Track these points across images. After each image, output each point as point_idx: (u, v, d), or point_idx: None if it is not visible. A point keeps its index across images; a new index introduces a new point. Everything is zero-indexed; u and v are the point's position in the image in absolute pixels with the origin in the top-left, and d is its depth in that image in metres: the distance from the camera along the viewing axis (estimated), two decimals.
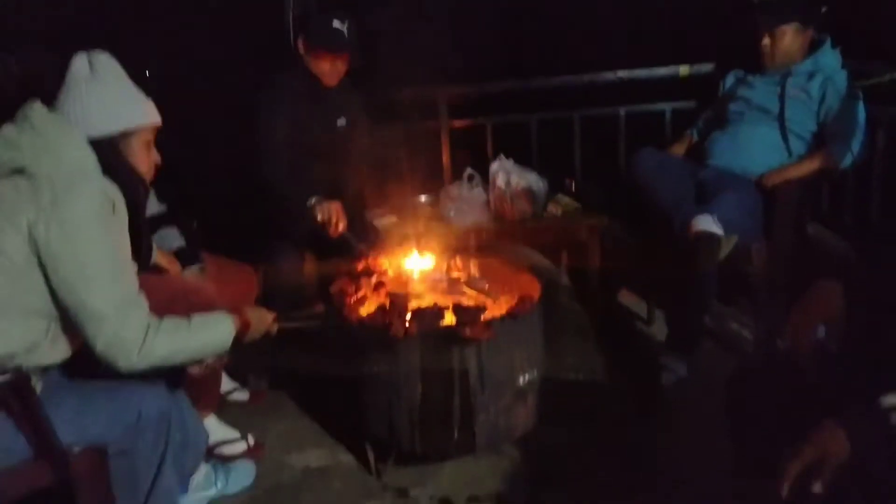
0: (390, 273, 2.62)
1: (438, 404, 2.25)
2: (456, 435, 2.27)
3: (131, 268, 1.75)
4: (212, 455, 2.58)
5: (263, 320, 2.01)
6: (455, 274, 2.57)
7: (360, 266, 2.64)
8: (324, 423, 2.84)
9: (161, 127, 1.99)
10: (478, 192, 3.44)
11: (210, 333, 1.85)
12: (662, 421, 2.72)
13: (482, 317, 2.17)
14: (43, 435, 1.61)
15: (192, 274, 2.68)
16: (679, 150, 3.23)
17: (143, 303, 1.73)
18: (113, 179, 1.74)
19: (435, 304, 2.20)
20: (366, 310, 2.38)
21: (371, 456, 2.51)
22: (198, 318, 1.84)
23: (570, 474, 2.41)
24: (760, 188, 2.81)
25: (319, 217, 2.85)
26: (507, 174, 3.37)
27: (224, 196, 3.29)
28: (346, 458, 2.62)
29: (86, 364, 1.89)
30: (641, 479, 2.40)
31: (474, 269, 2.62)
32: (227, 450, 2.67)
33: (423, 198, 3.75)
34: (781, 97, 2.89)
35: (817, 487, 1.26)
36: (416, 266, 2.67)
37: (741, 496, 1.84)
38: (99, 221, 1.63)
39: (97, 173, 1.72)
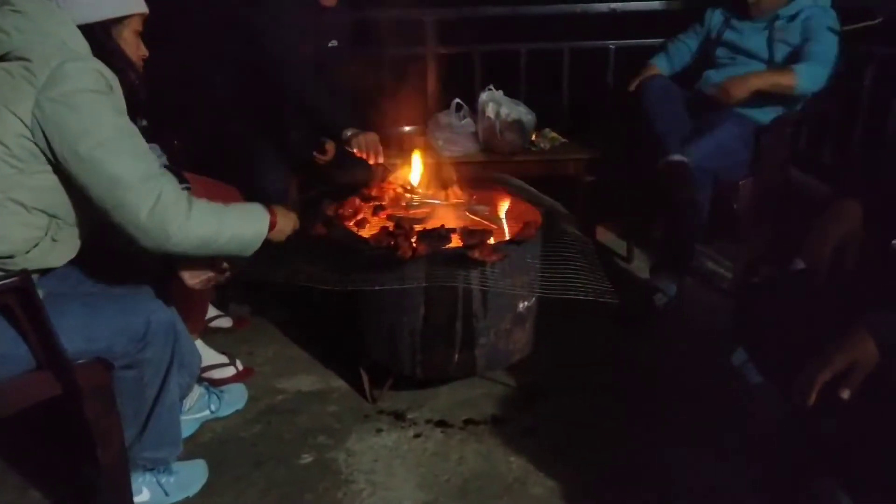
0: (388, 198, 2.56)
1: (441, 327, 2.24)
2: (457, 357, 2.28)
3: (147, 147, 1.67)
4: (202, 379, 2.53)
5: (290, 219, 1.96)
6: (455, 200, 2.53)
7: (357, 191, 2.58)
8: (312, 350, 2.82)
9: (147, 17, 1.88)
10: (467, 123, 3.38)
11: (247, 221, 1.79)
12: (656, 335, 2.81)
13: (489, 240, 2.15)
14: (47, 343, 1.53)
15: None
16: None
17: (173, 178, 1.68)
18: (106, 64, 1.64)
19: (441, 226, 2.16)
20: (368, 231, 2.32)
21: (366, 381, 2.50)
22: (235, 205, 1.81)
23: (565, 392, 2.47)
24: (747, 124, 2.86)
25: (356, 149, 2.76)
26: (496, 105, 3.31)
27: (209, 113, 3.13)
28: (339, 384, 2.60)
29: (90, 271, 1.81)
30: (637, 388, 2.49)
31: (474, 197, 2.59)
32: (217, 374, 2.62)
33: (406, 128, 3.66)
34: (770, 42, 2.90)
35: (846, 394, 1.30)
36: (414, 191, 2.62)
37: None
38: (99, 94, 1.54)
39: (89, 54, 1.62)
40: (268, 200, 2.92)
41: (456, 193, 2.60)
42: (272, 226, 1.85)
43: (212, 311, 2.99)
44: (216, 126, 3.09)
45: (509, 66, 3.76)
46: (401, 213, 2.40)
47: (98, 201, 1.56)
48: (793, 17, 2.85)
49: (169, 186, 1.61)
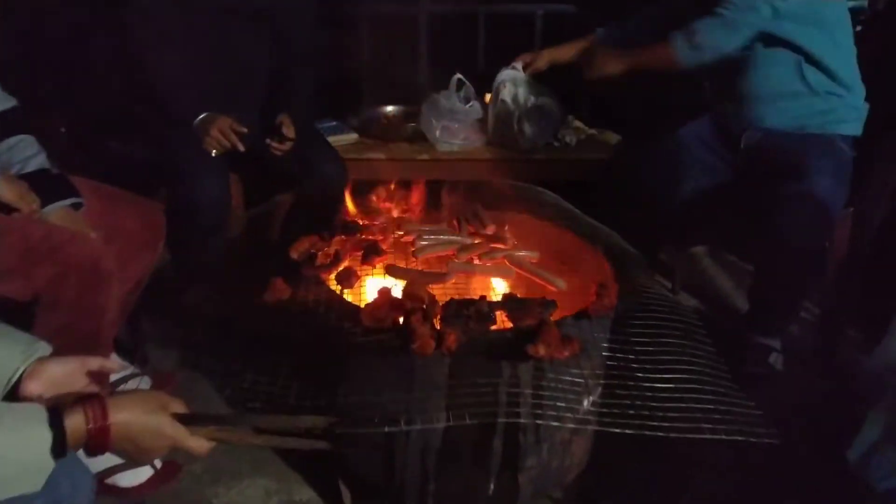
0: (380, 230, 1.73)
1: (470, 443, 1.47)
2: (492, 486, 1.51)
3: None
4: (103, 489, 1.69)
5: (160, 432, 0.98)
6: (475, 238, 1.72)
7: (332, 213, 1.76)
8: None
9: None
10: (473, 108, 2.55)
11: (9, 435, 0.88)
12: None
13: (551, 319, 1.37)
14: None
15: (59, 214, 1.69)
16: (566, 54, 2.46)
17: None
18: None
19: (482, 300, 1.36)
20: (356, 291, 1.51)
21: (347, 498, 1.71)
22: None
23: None
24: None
25: (206, 144, 2.04)
26: (515, 87, 2.49)
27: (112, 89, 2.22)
28: (307, 495, 1.80)
29: None
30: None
31: (500, 229, 1.79)
32: (124, 480, 1.78)
33: (389, 109, 2.81)
34: None
35: None
36: (410, 220, 1.80)
37: None
38: None
39: None
40: (199, 213, 2.13)
41: (479, 221, 1.80)
42: (100, 435, 0.94)
43: (118, 365, 2.13)
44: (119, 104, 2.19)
45: (521, 33, 2.93)
46: (404, 264, 1.59)
47: None
48: None
49: None
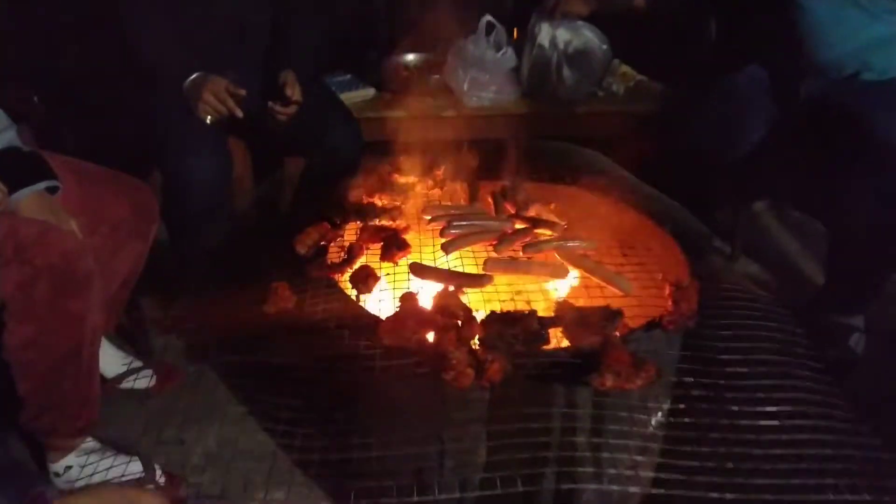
0: (396, 214, 1.44)
1: (515, 477, 1.22)
2: None
3: None
4: None
5: None
6: (515, 222, 1.42)
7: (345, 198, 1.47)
8: (287, 437, 1.76)
9: None
10: (507, 56, 2.20)
11: None
12: None
13: (618, 337, 1.09)
14: None
15: (30, 201, 1.43)
16: None
17: None
18: None
19: (530, 315, 1.08)
20: (377, 303, 1.24)
21: None
22: None
23: None
24: None
25: (199, 111, 1.75)
26: (552, 29, 2.14)
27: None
28: None
29: None
30: None
31: (545, 208, 1.49)
32: None
33: (410, 58, 2.48)
34: None
35: None
36: (437, 200, 1.51)
37: None
38: None
39: None
40: (194, 195, 1.85)
41: (519, 199, 1.50)
42: None
43: (119, 361, 1.92)
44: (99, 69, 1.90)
45: None
46: (432, 259, 1.31)
47: None
48: None
49: None
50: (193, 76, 1.77)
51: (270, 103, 1.82)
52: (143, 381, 1.90)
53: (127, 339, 2.05)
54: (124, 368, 1.89)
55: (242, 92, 1.76)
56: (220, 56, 1.82)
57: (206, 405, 1.78)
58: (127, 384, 1.90)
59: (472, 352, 1.03)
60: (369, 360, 1.07)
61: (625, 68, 2.43)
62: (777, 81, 1.95)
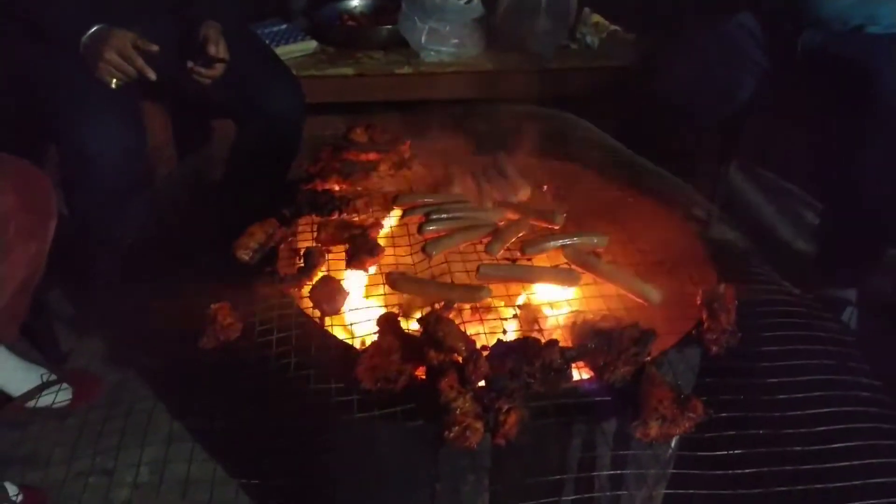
0: (360, 204, 1.17)
1: None
2: None
3: None
4: None
5: None
6: (506, 211, 1.18)
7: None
8: (233, 459, 1.49)
9: None
10: (472, 5, 1.91)
11: None
12: None
13: (653, 367, 0.88)
14: None
15: None
16: None
17: None
18: None
19: (550, 345, 0.85)
20: (346, 326, 0.99)
21: None
22: None
23: None
24: None
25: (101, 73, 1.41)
26: None
27: None
28: None
29: None
30: None
31: (538, 192, 1.25)
32: None
33: (355, 4, 2.15)
34: None
35: None
36: (407, 185, 1.25)
37: None
38: None
39: None
40: (100, 172, 1.49)
41: (506, 180, 1.25)
42: None
43: (25, 375, 1.60)
44: None
45: None
46: (411, 263, 1.05)
47: None
48: None
49: None
50: (93, 30, 1.41)
51: (190, 63, 1.49)
52: (59, 395, 1.60)
53: (31, 342, 1.74)
54: (33, 384, 1.59)
55: (154, 48, 1.43)
56: (123, 4, 1.47)
57: (133, 422, 1.50)
58: (39, 402, 1.60)
59: (478, 397, 0.81)
60: (344, 412, 0.82)
61: (597, 17, 2.18)
62: (771, 32, 1.75)
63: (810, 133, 1.84)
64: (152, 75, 1.42)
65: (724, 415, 0.85)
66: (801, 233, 2.24)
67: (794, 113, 1.89)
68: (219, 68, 1.50)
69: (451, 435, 0.78)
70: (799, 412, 0.87)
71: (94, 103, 1.43)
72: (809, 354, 0.94)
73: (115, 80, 1.44)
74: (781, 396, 0.90)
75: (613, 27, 2.19)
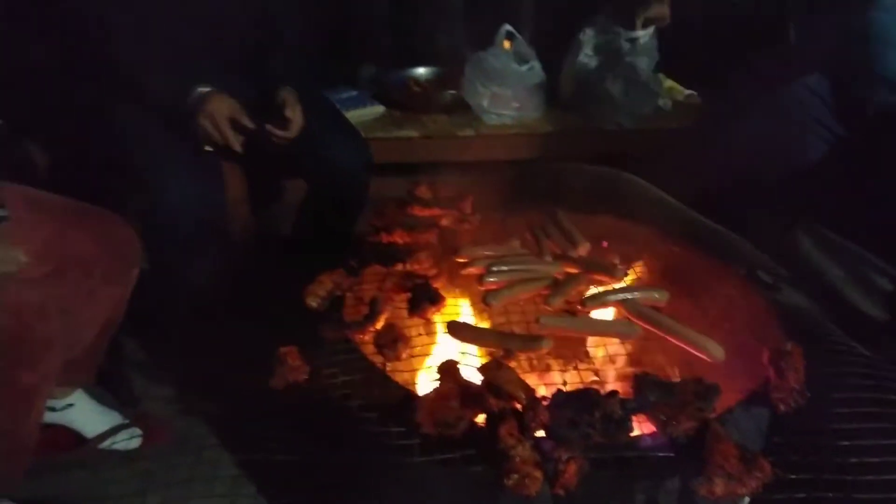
0: (422, 256, 1.21)
1: None
2: None
3: None
4: None
5: None
6: (565, 265, 1.19)
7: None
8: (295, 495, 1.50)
9: None
10: (533, 70, 1.99)
11: None
12: None
13: (718, 424, 0.87)
14: None
15: None
16: None
17: None
18: None
19: (611, 396, 0.86)
20: (411, 369, 1.01)
21: None
22: None
23: None
24: None
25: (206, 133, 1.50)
26: (599, 39, 1.93)
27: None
28: None
29: None
30: None
31: (597, 247, 1.27)
32: None
33: (421, 72, 2.26)
34: None
35: None
36: (469, 238, 1.28)
37: None
38: None
39: None
40: (179, 222, 1.59)
41: (565, 235, 1.27)
42: None
43: (100, 417, 1.67)
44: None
45: None
46: (473, 313, 1.08)
47: None
48: None
49: None
50: (197, 92, 1.52)
51: (269, 126, 1.59)
52: (132, 442, 1.67)
53: (106, 386, 1.83)
54: (107, 426, 1.66)
55: (251, 125, 1.52)
56: (211, 65, 1.59)
57: (201, 466, 1.54)
58: (113, 444, 1.66)
59: (537, 446, 0.81)
60: (405, 455, 0.84)
61: (670, 83, 2.22)
62: (842, 95, 1.74)
63: (882, 196, 1.81)
64: (238, 149, 1.51)
65: (793, 476, 0.83)
66: (872, 298, 2.16)
67: (865, 176, 1.86)
68: (295, 129, 1.59)
69: (511, 482, 0.78)
70: (872, 477, 0.84)
71: (178, 159, 1.54)
72: (882, 417, 0.91)
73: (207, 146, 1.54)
74: (853, 460, 0.86)
75: (689, 91, 2.22)
